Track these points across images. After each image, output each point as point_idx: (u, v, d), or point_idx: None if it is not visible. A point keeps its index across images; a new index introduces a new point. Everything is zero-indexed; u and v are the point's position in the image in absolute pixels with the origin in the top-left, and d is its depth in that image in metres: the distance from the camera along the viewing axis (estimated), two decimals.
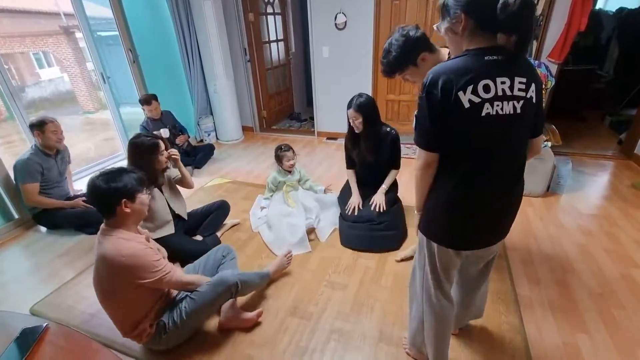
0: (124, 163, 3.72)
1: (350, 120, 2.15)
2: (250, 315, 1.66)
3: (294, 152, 2.59)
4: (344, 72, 3.98)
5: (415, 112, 1.01)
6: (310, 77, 4.27)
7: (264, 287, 1.88)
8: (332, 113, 4.28)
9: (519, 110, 0.92)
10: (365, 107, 2.09)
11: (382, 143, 2.21)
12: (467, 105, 0.88)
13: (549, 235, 2.27)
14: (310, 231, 2.34)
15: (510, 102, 0.91)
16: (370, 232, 2.17)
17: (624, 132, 3.64)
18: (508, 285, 1.85)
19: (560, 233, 2.30)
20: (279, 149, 2.57)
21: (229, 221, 2.49)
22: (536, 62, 3.02)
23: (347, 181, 2.53)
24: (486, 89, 0.88)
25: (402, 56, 1.32)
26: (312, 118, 4.96)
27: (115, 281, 1.27)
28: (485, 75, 0.88)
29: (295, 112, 5.61)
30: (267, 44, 4.73)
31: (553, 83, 3.01)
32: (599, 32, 4.73)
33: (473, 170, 0.98)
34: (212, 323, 1.66)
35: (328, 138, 4.40)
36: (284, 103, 5.39)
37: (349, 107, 2.13)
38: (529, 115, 0.96)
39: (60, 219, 2.52)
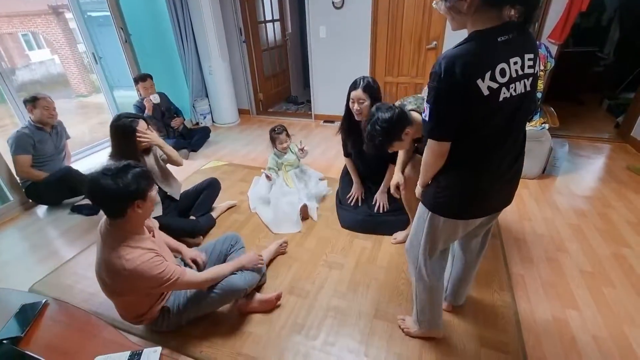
0: None
1: (354, 104, 1.95)
2: (267, 297, 1.64)
3: (287, 133, 2.56)
4: (341, 53, 3.90)
5: (427, 101, 0.95)
6: (307, 58, 4.19)
7: None
8: (330, 95, 4.23)
9: (528, 88, 0.92)
10: (373, 88, 1.93)
11: None
12: (486, 92, 0.86)
13: (543, 216, 2.30)
14: (304, 209, 2.34)
15: (522, 81, 0.90)
16: (373, 218, 2.18)
17: (622, 115, 3.64)
18: (501, 263, 1.88)
19: (554, 214, 2.33)
20: (272, 130, 2.55)
21: (225, 202, 2.49)
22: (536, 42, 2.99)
23: (344, 168, 2.51)
24: (502, 73, 0.86)
25: (387, 139, 1.39)
26: (309, 101, 4.90)
27: (118, 287, 1.22)
28: (500, 59, 0.86)
29: (292, 95, 5.54)
30: (263, 24, 4.62)
31: (553, 64, 2.99)
32: (601, 13, 4.66)
33: (486, 152, 0.98)
34: None
35: (325, 121, 4.36)
36: (280, 86, 5.31)
37: (353, 87, 1.95)
38: (535, 90, 0.97)
39: (42, 188, 2.48)
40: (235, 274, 1.52)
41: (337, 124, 4.15)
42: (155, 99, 3.21)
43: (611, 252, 1.96)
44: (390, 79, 3.97)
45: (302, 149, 2.53)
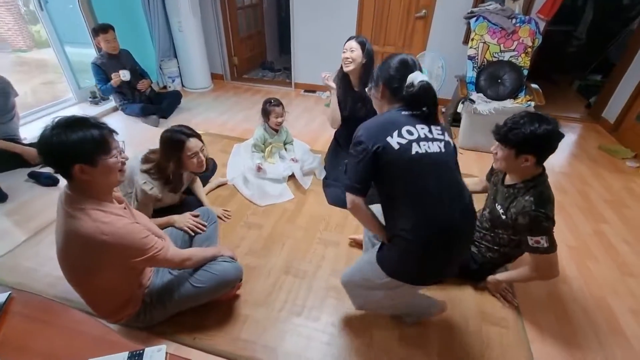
0: (73, 109, 3.26)
1: (346, 53, 1.92)
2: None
3: (284, 108, 2.35)
4: (326, 17, 3.64)
5: (346, 161, 1.13)
6: (283, 22, 3.89)
7: (253, 245, 1.81)
8: (312, 63, 3.98)
9: (443, 150, 1.04)
10: (366, 44, 1.91)
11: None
12: (396, 147, 0.99)
13: None
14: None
15: (435, 143, 1.03)
16: None
17: (592, 96, 3.80)
18: None
19: None
20: (267, 102, 2.31)
21: (215, 180, 2.28)
22: (526, 17, 2.96)
23: (332, 142, 2.42)
24: (409, 132, 1.01)
25: (519, 138, 1.22)
26: (286, 68, 4.62)
27: (93, 261, 1.03)
28: (405, 124, 1.03)
29: (267, 60, 5.19)
30: None
31: (540, 41, 2.99)
32: None
33: (423, 215, 1.01)
34: None
35: (306, 90, 4.14)
36: (255, 49, 4.93)
37: (348, 40, 1.94)
38: (453, 157, 1.09)
39: None
40: (226, 261, 1.35)
41: (319, 94, 3.99)
42: (125, 76, 2.81)
43: (592, 228, 2.06)
44: (377, 48, 3.78)
45: (294, 159, 2.36)
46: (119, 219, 1.02)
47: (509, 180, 1.40)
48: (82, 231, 0.97)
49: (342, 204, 2.12)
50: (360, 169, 1.03)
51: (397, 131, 1.00)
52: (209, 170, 1.76)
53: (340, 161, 2.28)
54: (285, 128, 2.48)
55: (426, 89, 1.03)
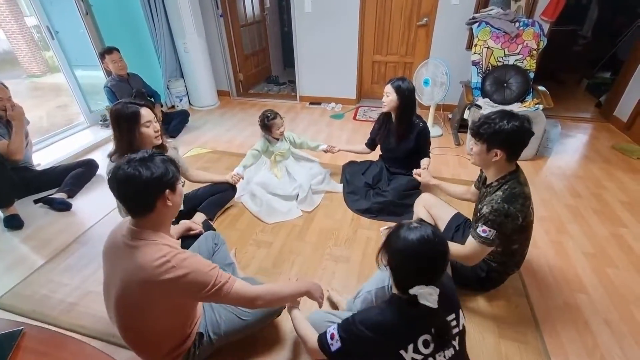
0: (85, 133, 3.34)
1: (384, 95, 2.09)
2: None
3: (281, 117, 2.34)
4: (328, 29, 3.67)
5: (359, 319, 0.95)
6: (286, 36, 3.94)
7: (263, 263, 1.82)
8: (316, 75, 4.01)
9: (457, 347, 0.95)
10: (402, 88, 2.02)
11: (409, 132, 2.14)
12: None
13: (541, 199, 2.30)
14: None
15: (450, 349, 0.93)
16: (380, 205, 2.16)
17: (602, 95, 3.72)
18: None
19: (550, 195, 2.34)
20: (265, 118, 2.27)
21: None
22: (530, 20, 2.93)
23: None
24: (425, 344, 0.89)
25: (492, 135, 1.27)
26: (291, 81, 4.67)
27: (153, 298, 0.98)
28: (422, 330, 0.90)
29: (272, 75, 5.26)
30: None
31: (545, 43, 2.96)
32: None
33: None
34: None
35: (311, 103, 4.16)
36: (260, 65, 5.01)
37: (388, 82, 2.07)
38: (465, 344, 1.00)
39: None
40: None
41: (324, 105, 4.00)
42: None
43: (609, 232, 2.00)
44: (379, 57, 3.81)
45: (328, 150, 2.45)
46: (185, 251, 1.01)
47: (488, 180, 1.43)
48: (149, 264, 0.93)
49: (364, 212, 2.17)
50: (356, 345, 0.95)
51: (412, 344, 0.88)
52: (165, 148, 1.69)
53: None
54: (287, 134, 2.41)
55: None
